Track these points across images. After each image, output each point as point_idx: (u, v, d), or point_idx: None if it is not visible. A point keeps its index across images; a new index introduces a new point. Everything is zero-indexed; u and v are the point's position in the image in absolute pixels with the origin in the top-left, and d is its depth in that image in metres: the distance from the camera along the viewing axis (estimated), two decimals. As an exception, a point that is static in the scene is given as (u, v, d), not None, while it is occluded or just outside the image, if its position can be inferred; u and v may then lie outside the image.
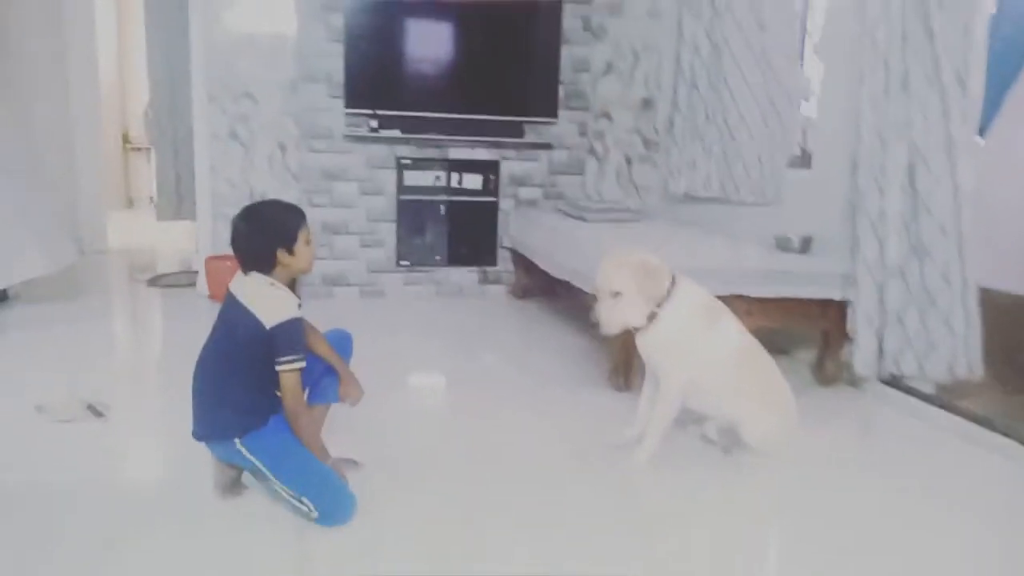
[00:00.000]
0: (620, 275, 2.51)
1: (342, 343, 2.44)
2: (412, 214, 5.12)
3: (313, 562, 2.00)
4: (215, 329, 2.23)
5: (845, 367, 3.52)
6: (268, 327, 2.09)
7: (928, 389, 3.33)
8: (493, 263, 5.31)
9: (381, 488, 2.33)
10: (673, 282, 2.55)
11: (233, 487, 2.27)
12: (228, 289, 2.21)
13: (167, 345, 4.29)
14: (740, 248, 3.75)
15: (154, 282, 5.32)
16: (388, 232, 5.11)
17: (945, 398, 3.26)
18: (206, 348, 2.23)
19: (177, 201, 6.56)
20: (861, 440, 3.17)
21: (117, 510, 2.20)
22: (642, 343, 2.61)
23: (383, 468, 2.47)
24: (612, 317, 2.55)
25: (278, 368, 2.10)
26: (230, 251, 2.23)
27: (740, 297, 3.22)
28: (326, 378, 2.37)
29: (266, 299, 2.14)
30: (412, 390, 3.58)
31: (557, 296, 4.86)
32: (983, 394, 3.30)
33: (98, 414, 2.82)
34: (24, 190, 4.43)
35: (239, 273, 2.22)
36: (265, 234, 2.18)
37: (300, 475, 2.13)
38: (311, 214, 2.29)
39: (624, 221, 4.57)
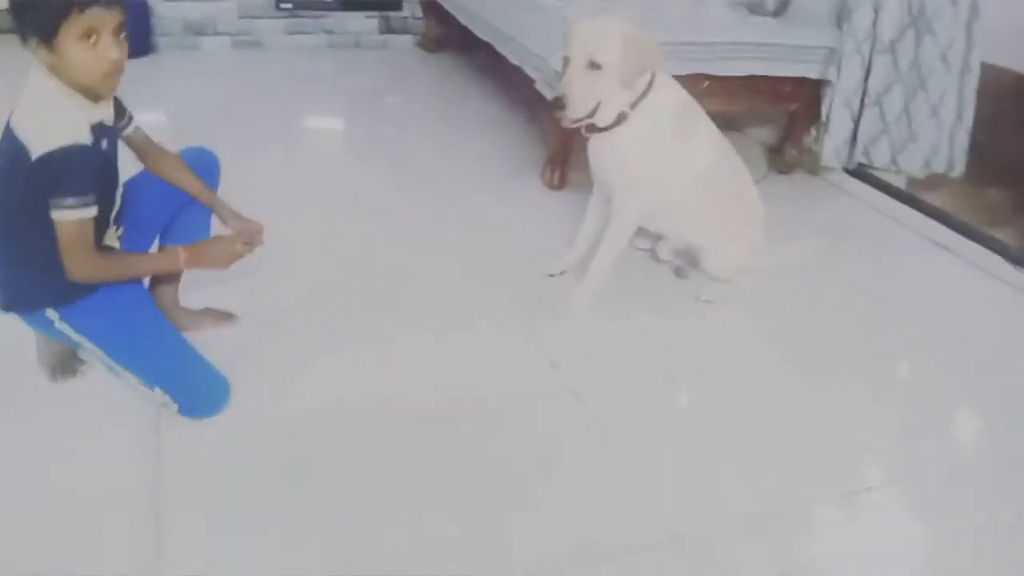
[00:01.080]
0: (607, 41, 1.82)
1: (205, 169, 1.77)
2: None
3: (171, 462, 1.52)
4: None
5: (807, 153, 3.09)
6: (34, 156, 1.37)
7: (898, 183, 2.97)
8: (398, 7, 4.38)
9: (262, 351, 1.83)
10: (651, 75, 1.94)
11: (65, 365, 1.72)
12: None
13: None
14: (701, 10, 3.04)
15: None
16: (263, -37, 4.07)
17: (915, 194, 2.92)
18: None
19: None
20: (826, 245, 2.61)
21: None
22: (599, 151, 2.02)
23: (264, 318, 1.95)
24: (587, 95, 1.86)
25: (52, 215, 1.41)
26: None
27: (699, 75, 2.65)
28: (187, 214, 1.76)
29: (39, 111, 1.40)
30: (293, 178, 2.77)
31: (477, 52, 4.05)
32: (953, 189, 2.96)
33: None
34: None
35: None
36: (14, 9, 1.37)
37: (147, 358, 1.60)
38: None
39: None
